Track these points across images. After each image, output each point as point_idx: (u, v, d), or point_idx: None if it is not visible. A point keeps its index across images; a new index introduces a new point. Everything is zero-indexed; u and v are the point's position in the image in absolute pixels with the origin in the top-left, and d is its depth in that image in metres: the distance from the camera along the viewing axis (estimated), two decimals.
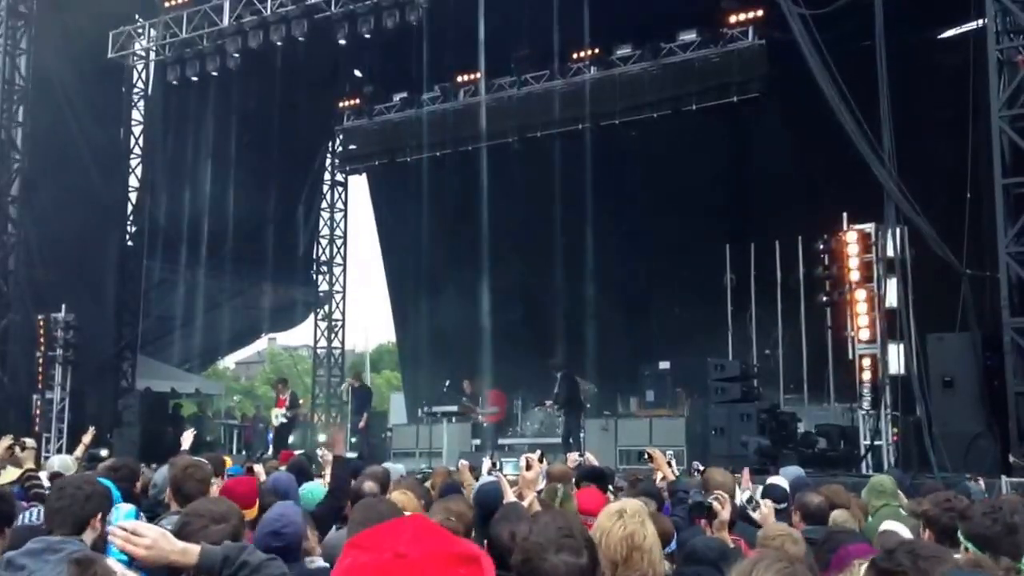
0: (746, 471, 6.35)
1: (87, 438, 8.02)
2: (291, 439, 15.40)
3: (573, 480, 5.53)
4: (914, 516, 4.86)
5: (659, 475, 6.08)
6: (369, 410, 16.05)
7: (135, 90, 18.03)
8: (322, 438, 17.69)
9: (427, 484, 6.86)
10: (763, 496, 5.26)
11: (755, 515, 4.44)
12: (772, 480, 6.19)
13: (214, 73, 15.92)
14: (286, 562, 3.15)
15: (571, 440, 13.47)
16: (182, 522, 3.04)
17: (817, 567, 3.05)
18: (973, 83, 10.03)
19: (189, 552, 2.41)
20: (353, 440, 15.22)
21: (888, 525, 4.55)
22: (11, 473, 5.50)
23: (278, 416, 15.20)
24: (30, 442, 5.96)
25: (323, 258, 21.97)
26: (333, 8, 14.49)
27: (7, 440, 5.88)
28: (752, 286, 15.63)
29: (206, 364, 25.03)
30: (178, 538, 2.80)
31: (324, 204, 22.00)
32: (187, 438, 6.52)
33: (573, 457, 7.93)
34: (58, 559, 2.78)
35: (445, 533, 1.45)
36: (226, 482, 4.42)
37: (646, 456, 6.12)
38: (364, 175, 21.53)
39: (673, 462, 6.07)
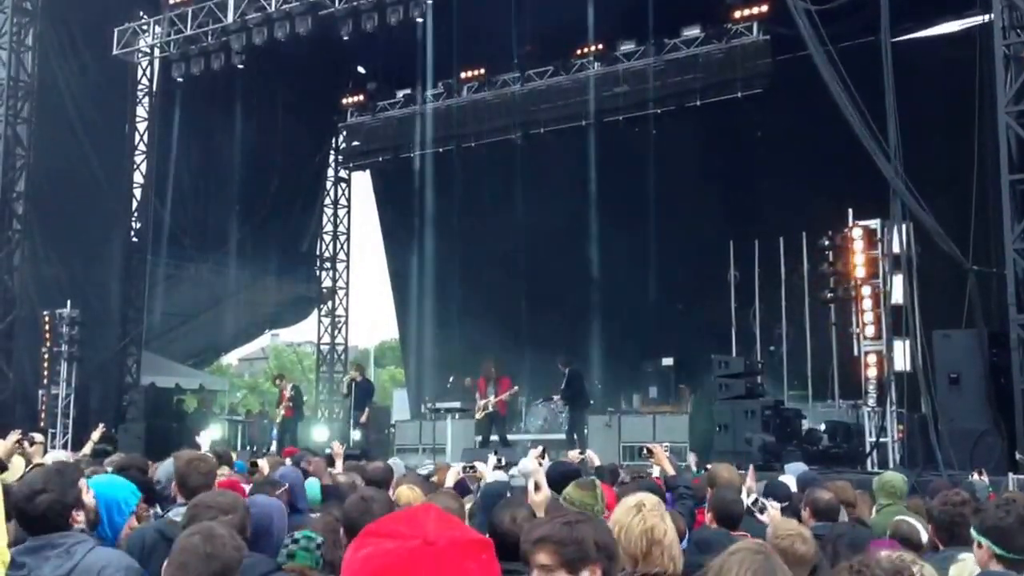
0: (751, 469, 6.34)
1: (96, 435, 8.06)
2: (296, 434, 15.37)
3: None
4: (918, 513, 4.87)
5: (657, 469, 6.08)
6: (370, 404, 15.95)
7: (140, 87, 18.05)
8: (322, 431, 17.71)
9: (433, 480, 6.88)
10: (765, 495, 5.27)
11: (763, 517, 4.44)
12: (779, 479, 6.20)
13: (218, 70, 15.91)
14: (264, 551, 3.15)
15: (575, 436, 13.49)
16: (191, 514, 3.04)
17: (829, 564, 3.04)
18: (979, 78, 10.00)
19: None
20: (357, 437, 15.18)
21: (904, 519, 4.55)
22: (18, 467, 5.53)
23: (279, 412, 15.21)
24: (38, 437, 5.99)
25: (326, 254, 21.99)
26: (337, 5, 14.47)
27: (15, 435, 5.90)
28: (756, 282, 15.60)
29: (210, 360, 25.06)
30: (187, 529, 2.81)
31: (327, 200, 22.00)
32: (203, 442, 6.56)
33: (574, 454, 7.93)
34: (57, 554, 2.77)
35: (458, 521, 1.46)
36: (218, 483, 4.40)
37: (645, 451, 6.11)
38: (367, 171, 21.54)
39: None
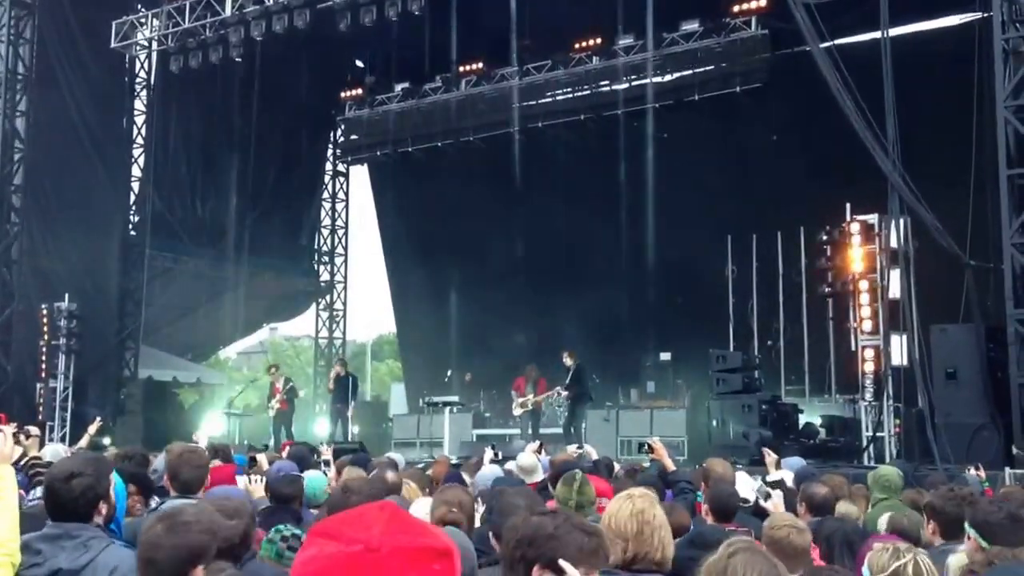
0: (772, 456, 6.37)
1: (93, 428, 8.05)
2: (292, 428, 15.32)
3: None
4: (914, 507, 4.87)
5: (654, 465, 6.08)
6: (355, 398, 15.79)
7: (138, 80, 18.02)
8: (323, 425, 17.70)
9: (428, 473, 6.88)
10: (770, 485, 5.28)
11: (767, 505, 4.46)
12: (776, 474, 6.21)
13: (216, 63, 15.87)
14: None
15: (572, 430, 13.50)
16: None
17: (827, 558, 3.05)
18: (978, 73, 10.00)
19: None
20: (356, 430, 15.16)
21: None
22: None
23: (272, 406, 15.04)
24: (34, 430, 5.98)
25: (324, 248, 21.98)
26: None
27: (11, 428, 5.89)
28: (754, 277, 15.61)
29: (208, 354, 25.04)
30: None
31: (326, 194, 21.98)
32: (201, 437, 6.56)
33: (572, 449, 7.95)
34: (74, 545, 2.76)
35: (417, 523, 1.37)
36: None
37: (646, 447, 6.11)
38: (365, 165, 21.51)
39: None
